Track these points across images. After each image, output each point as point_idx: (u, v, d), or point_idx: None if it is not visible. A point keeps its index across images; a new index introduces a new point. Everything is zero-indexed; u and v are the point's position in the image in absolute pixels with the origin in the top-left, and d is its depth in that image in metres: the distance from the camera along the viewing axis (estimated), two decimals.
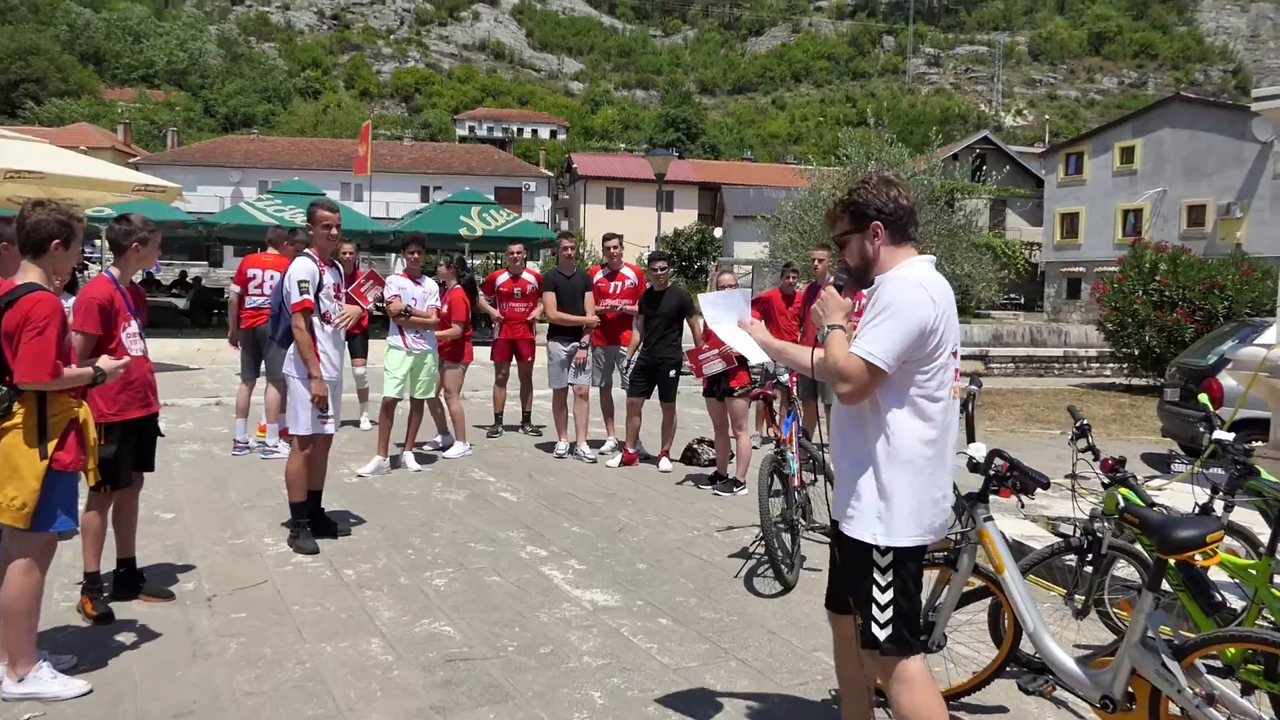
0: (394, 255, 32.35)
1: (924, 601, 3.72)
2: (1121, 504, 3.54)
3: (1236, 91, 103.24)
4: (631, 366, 8.38)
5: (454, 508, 6.85)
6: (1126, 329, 15.66)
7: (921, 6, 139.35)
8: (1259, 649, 3.04)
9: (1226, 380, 8.58)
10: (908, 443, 2.70)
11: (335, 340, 5.82)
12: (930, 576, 3.70)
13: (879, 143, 13.43)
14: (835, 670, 3.29)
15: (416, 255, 8.07)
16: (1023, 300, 44.15)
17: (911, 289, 2.66)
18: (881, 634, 2.72)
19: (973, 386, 3.67)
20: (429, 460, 8.40)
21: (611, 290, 8.76)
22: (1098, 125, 51.22)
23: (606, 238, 9.07)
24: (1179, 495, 4.86)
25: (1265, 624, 3.61)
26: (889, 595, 2.72)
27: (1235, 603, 3.88)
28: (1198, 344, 10.63)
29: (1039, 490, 3.73)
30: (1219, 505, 4.12)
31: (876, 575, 2.73)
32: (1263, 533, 4.24)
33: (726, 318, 3.32)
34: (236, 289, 8.71)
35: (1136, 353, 15.96)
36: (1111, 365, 18.68)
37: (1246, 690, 3.35)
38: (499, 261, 32.30)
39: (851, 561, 2.80)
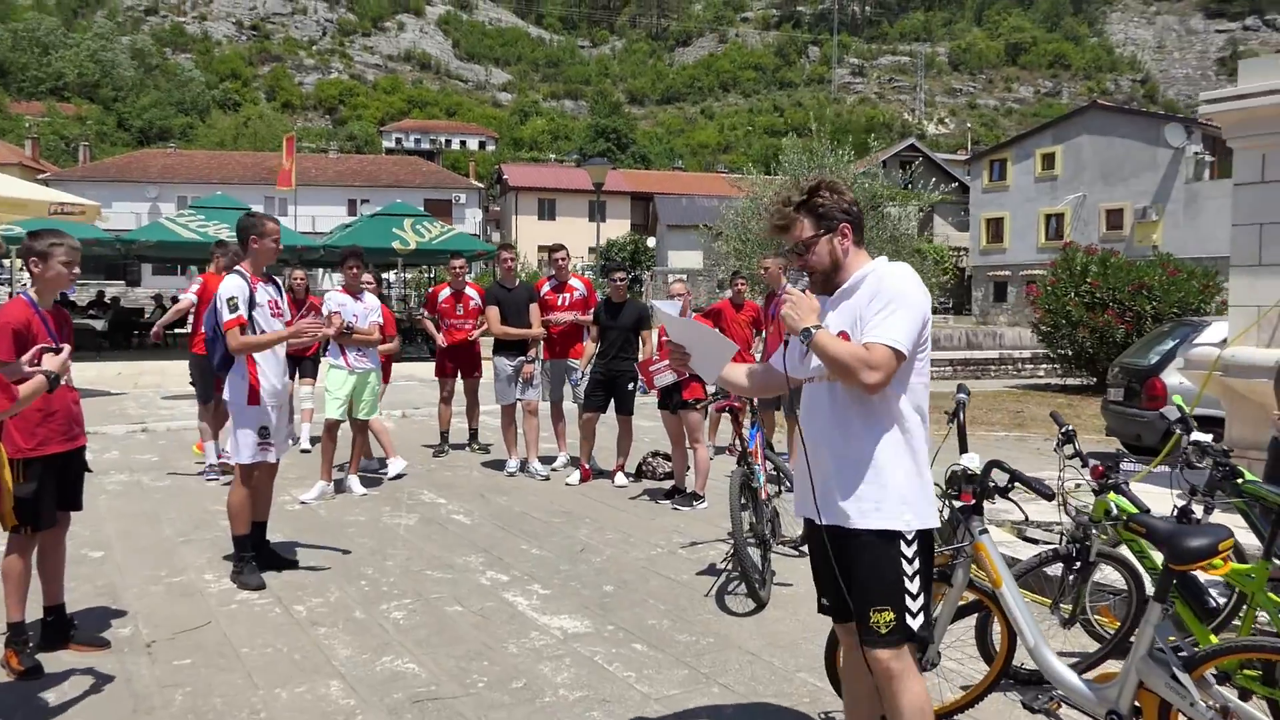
0: (322, 270, 31.59)
1: None
2: (1114, 510, 3.47)
3: (1145, 100, 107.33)
4: (586, 379, 8.17)
5: (405, 533, 6.56)
6: (1060, 330, 15.96)
7: (845, 18, 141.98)
8: (1270, 659, 2.97)
9: (1169, 379, 8.73)
10: (915, 426, 2.77)
11: (276, 364, 5.49)
12: None
13: (821, 149, 13.46)
14: (844, 684, 3.09)
15: (356, 270, 7.76)
16: (951, 304, 45.05)
17: (912, 279, 2.75)
18: (914, 623, 2.69)
19: (961, 395, 3.57)
20: (374, 483, 8.07)
21: (559, 302, 8.57)
22: (1017, 133, 52.64)
23: (554, 249, 8.90)
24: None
25: (1257, 629, 3.56)
26: (918, 582, 2.70)
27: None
28: (1139, 344, 10.83)
29: (998, 496, 3.66)
30: (1198, 508, 4.10)
31: (905, 565, 2.69)
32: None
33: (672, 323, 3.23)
34: (193, 299, 8.31)
35: (1070, 353, 16.29)
36: (1045, 366, 19.07)
37: (1244, 696, 3.29)
38: (433, 275, 31.79)
39: (875, 557, 2.70)
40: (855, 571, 2.74)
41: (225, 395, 5.44)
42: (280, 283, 5.67)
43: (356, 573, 5.60)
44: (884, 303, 2.67)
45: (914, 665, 2.75)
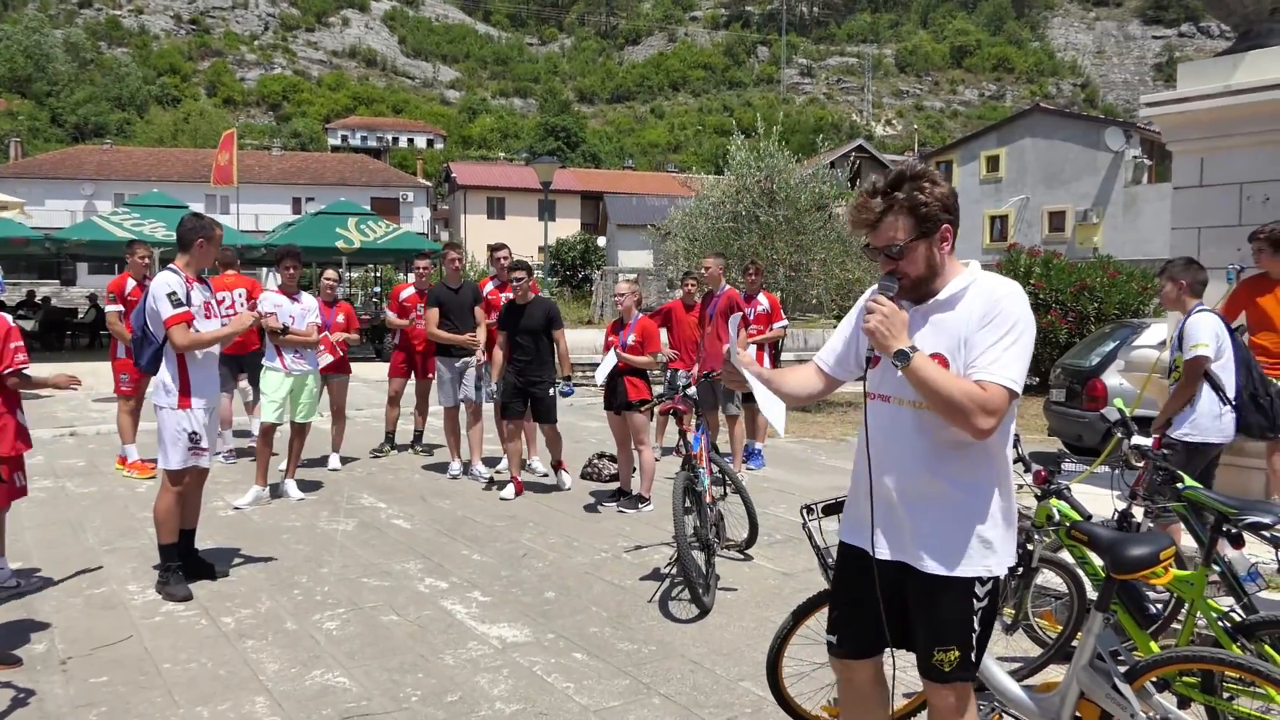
0: (265, 270, 30.93)
1: None
2: (1056, 516, 3.45)
3: (1086, 104, 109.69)
4: (501, 388, 7.71)
5: (343, 539, 6.38)
6: None
7: (794, 18, 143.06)
8: (1209, 669, 2.96)
9: (1110, 380, 8.84)
10: (1005, 464, 2.50)
11: (208, 367, 5.30)
12: None
13: (768, 149, 13.45)
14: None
15: (293, 270, 7.55)
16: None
17: (1025, 301, 2.42)
18: (974, 658, 2.50)
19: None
20: (312, 488, 7.85)
21: (502, 302, 8.42)
22: (962, 135, 53.45)
23: (495, 248, 8.74)
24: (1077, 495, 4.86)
25: (1197, 634, 3.57)
26: (983, 620, 2.50)
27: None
28: (1080, 345, 10.98)
29: None
30: (1138, 511, 4.11)
31: (975, 603, 2.46)
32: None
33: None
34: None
35: None
36: None
37: (1183, 704, 3.28)
38: (379, 275, 31.30)
39: (945, 601, 2.46)
40: (921, 610, 2.50)
41: (153, 399, 5.23)
42: (210, 285, 5.47)
43: (289, 581, 5.42)
44: (1001, 331, 2.33)
45: (974, 700, 2.59)
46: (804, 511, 3.38)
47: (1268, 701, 3.09)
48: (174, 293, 5.06)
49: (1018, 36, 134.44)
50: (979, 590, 2.45)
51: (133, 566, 5.62)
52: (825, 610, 3.59)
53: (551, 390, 7.53)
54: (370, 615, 4.89)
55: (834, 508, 3.40)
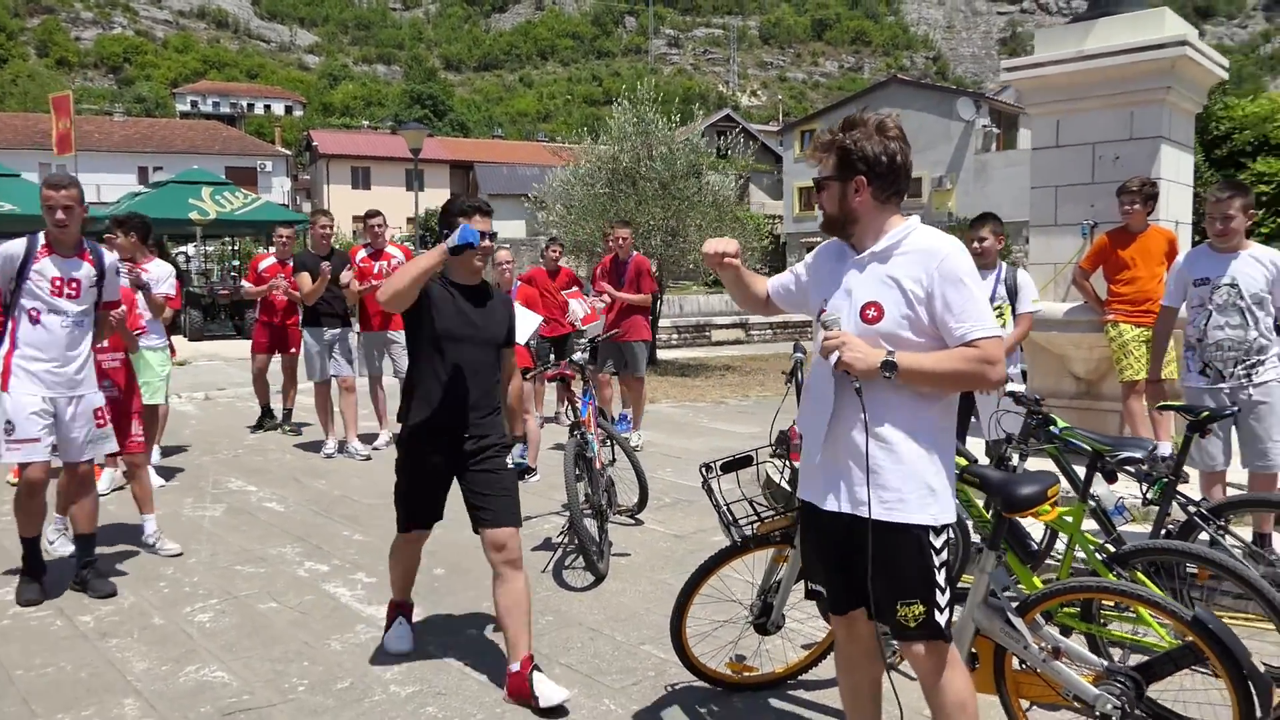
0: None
1: (760, 582, 3.57)
2: None
3: (938, 75, 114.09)
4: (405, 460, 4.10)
5: (210, 525, 6.02)
6: None
7: None
8: (1096, 598, 3.08)
9: None
10: (943, 413, 2.56)
11: (54, 346, 4.76)
12: (765, 556, 3.54)
13: (649, 116, 13.34)
14: (841, 677, 2.93)
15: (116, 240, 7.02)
16: (768, 270, 46.54)
17: (966, 252, 2.53)
18: (942, 619, 2.51)
19: (798, 354, 3.52)
20: (173, 473, 7.39)
21: (376, 270, 8.11)
22: (824, 105, 54.77)
23: (369, 215, 8.40)
24: None
25: (1077, 566, 3.73)
26: (945, 574, 2.51)
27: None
28: None
29: None
30: (1014, 454, 4.25)
31: (934, 556, 2.48)
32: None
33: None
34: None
35: None
36: None
37: (1064, 633, 3.43)
38: (237, 247, 29.83)
39: (902, 548, 2.48)
40: (876, 561, 2.48)
41: None
42: (105, 261, 4.89)
43: (154, 574, 5.07)
44: (964, 288, 2.42)
45: (956, 658, 2.60)
46: (703, 469, 3.35)
47: (1137, 624, 3.29)
48: None
49: (874, 10, 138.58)
50: (934, 540, 2.48)
51: None
52: (724, 570, 3.60)
53: (510, 461, 3.95)
54: (246, 604, 4.62)
55: (732, 465, 3.39)
